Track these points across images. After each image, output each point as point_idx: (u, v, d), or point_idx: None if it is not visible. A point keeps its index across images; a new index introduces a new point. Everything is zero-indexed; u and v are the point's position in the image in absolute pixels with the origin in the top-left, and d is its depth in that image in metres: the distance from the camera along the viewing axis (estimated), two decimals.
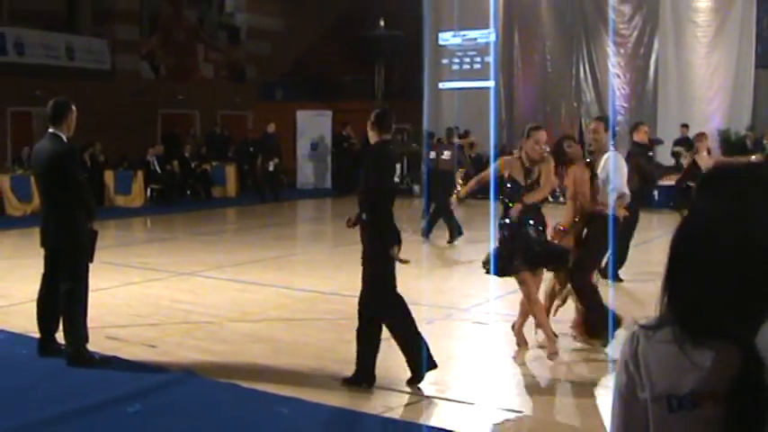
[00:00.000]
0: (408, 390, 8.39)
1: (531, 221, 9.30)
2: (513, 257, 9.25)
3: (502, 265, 9.36)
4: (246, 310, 11.89)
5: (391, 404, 7.92)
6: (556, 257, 9.49)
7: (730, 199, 2.31)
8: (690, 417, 2.27)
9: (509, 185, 9.41)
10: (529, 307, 9.48)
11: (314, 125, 32.82)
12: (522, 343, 9.74)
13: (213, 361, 9.35)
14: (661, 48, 29.55)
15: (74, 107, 9.25)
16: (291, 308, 12.13)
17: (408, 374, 8.51)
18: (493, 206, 9.46)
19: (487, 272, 9.57)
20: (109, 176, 26.61)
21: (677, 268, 2.36)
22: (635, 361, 2.38)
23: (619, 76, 30.51)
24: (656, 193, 26.03)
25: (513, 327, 9.87)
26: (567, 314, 10.14)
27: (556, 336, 9.52)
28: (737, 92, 28.29)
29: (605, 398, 8.02)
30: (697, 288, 2.29)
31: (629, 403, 2.40)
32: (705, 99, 28.70)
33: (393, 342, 8.81)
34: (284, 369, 9.06)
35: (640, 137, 14.57)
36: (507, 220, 9.31)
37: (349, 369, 8.85)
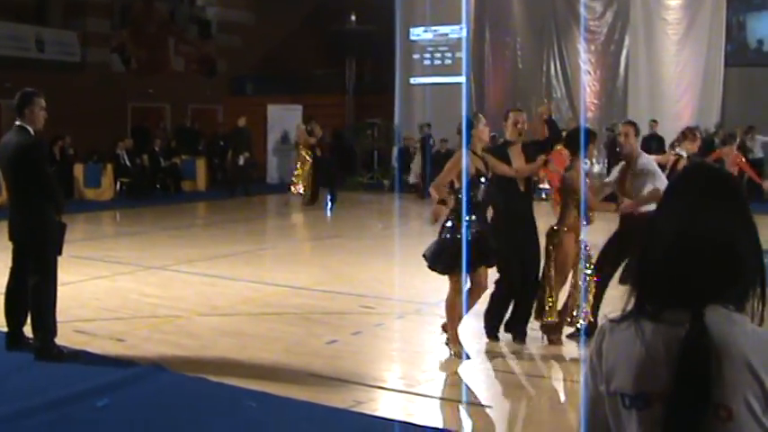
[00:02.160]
0: (377, 384, 8.40)
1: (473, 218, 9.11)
2: (454, 255, 9.00)
3: (441, 260, 9.17)
4: (215, 305, 11.86)
5: (360, 398, 7.91)
6: (484, 257, 9.26)
7: (678, 201, 2.44)
8: (641, 416, 2.33)
9: (482, 180, 9.19)
10: (448, 306, 9.37)
11: (284, 119, 32.76)
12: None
13: (181, 355, 9.32)
14: (631, 44, 29.67)
15: (40, 99, 9.16)
16: (260, 302, 12.10)
17: (379, 371, 8.51)
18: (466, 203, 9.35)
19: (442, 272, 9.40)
20: (78, 169, 26.49)
21: (641, 262, 2.45)
22: (598, 355, 2.46)
23: (589, 73, 30.61)
24: None
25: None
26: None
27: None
28: (707, 89, 28.45)
29: (575, 393, 8.06)
30: (651, 276, 2.40)
31: (593, 397, 2.48)
32: (675, 96, 28.85)
33: (360, 337, 8.82)
34: (253, 363, 9.03)
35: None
36: (473, 218, 9.14)
37: (317, 363, 8.86)
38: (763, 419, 2.21)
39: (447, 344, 9.34)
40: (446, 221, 9.25)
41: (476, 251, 9.00)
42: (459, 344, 9.26)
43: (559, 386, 8.63)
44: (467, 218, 9.05)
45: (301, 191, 25.07)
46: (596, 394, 2.46)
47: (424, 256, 9.38)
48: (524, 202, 9.85)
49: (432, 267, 9.34)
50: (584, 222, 9.53)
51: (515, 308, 9.87)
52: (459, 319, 9.37)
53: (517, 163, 9.60)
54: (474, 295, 9.42)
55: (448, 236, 9.14)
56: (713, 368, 2.22)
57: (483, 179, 9.19)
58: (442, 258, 9.14)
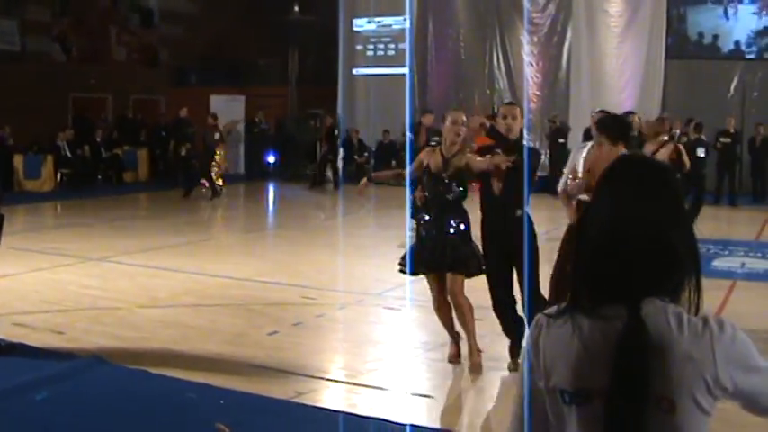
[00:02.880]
0: (319, 375, 8.41)
1: (453, 222, 8.66)
2: (429, 258, 8.72)
3: (417, 263, 8.81)
4: (156, 296, 11.81)
5: (302, 389, 7.91)
6: (460, 263, 8.74)
7: (609, 193, 2.45)
8: (581, 411, 2.34)
9: (426, 176, 8.75)
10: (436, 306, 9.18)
11: (227, 110, 32.59)
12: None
13: (122, 347, 9.27)
14: (574, 37, 29.85)
15: None
16: (202, 293, 12.05)
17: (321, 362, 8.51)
18: (409, 198, 9.32)
19: (402, 271, 9.09)
20: (18, 160, 26.23)
21: (575, 255, 2.50)
22: (535, 350, 2.45)
23: (532, 64, 30.76)
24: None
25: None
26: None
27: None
28: (648, 82, 28.72)
29: (518, 383, 8.08)
30: (585, 270, 2.41)
31: (532, 392, 2.48)
32: (616, 88, 29.06)
33: (302, 328, 8.82)
34: (193, 354, 9.01)
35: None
36: (427, 218, 8.73)
37: (258, 354, 8.86)
38: (703, 404, 2.23)
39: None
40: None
41: (433, 254, 8.69)
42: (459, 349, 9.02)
43: (503, 376, 8.66)
44: (424, 216, 8.79)
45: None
46: (535, 389, 2.46)
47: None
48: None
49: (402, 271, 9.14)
50: None
51: None
52: (447, 323, 9.02)
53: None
54: (443, 307, 8.98)
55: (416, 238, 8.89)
56: (652, 362, 2.23)
57: (426, 175, 8.76)
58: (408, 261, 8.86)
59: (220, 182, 25.19)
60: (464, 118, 8.92)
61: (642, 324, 2.26)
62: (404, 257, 8.90)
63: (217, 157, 25.17)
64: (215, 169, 25.11)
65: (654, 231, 2.34)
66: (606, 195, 2.45)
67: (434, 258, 8.65)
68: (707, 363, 2.23)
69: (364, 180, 9.45)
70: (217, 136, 25.14)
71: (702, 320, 2.28)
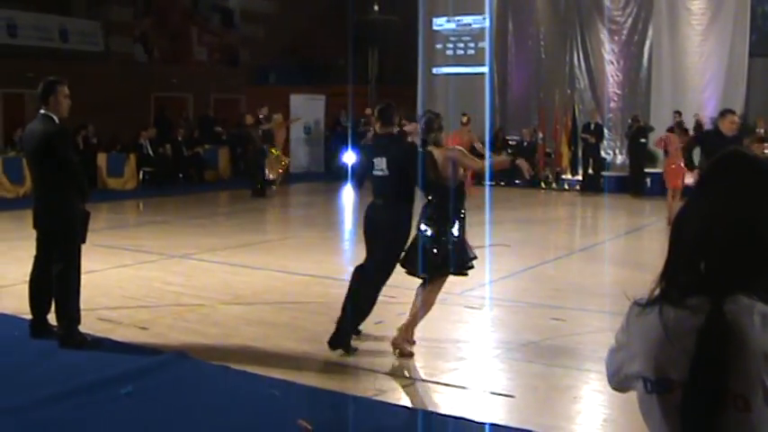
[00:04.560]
0: (400, 374, 8.42)
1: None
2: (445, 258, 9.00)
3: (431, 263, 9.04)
4: (238, 293, 11.90)
5: (383, 387, 7.93)
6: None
7: (708, 189, 2.46)
8: (662, 400, 2.37)
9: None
10: (426, 306, 9.22)
11: (307, 109, 32.76)
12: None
13: (205, 343, 9.36)
14: (655, 35, 29.51)
15: (63, 87, 9.17)
16: (283, 291, 12.13)
17: (402, 360, 8.55)
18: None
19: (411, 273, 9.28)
20: (101, 159, 26.59)
21: (670, 247, 2.49)
22: (627, 336, 2.51)
23: (612, 63, 30.49)
24: (648, 180, 26.20)
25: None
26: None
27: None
28: (731, 80, 28.27)
29: (596, 382, 8.05)
30: (677, 262, 2.44)
31: (619, 379, 2.55)
32: (699, 86, 28.69)
33: (383, 327, 8.83)
34: (276, 352, 9.06)
35: (725, 126, 13.43)
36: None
37: (341, 352, 8.89)
38: None
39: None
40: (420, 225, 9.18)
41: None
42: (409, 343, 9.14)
43: (583, 376, 8.60)
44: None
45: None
46: (624, 372, 2.53)
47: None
48: None
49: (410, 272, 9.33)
50: None
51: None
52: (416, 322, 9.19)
53: None
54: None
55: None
56: (728, 357, 2.24)
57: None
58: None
59: (273, 179, 25.48)
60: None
61: (723, 318, 2.26)
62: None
63: (273, 154, 25.44)
64: (272, 168, 25.39)
65: (747, 229, 2.33)
66: (705, 191, 2.45)
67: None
68: None
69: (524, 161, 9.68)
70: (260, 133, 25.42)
71: None
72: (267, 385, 7.88)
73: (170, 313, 10.72)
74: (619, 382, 2.58)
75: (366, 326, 9.90)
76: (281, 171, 26.01)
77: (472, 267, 9.23)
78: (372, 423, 7.23)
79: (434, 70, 33.38)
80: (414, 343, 9.11)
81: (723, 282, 2.31)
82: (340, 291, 11.82)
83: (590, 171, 27.95)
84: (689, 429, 2.31)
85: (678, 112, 26.00)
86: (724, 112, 13.56)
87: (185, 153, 29.16)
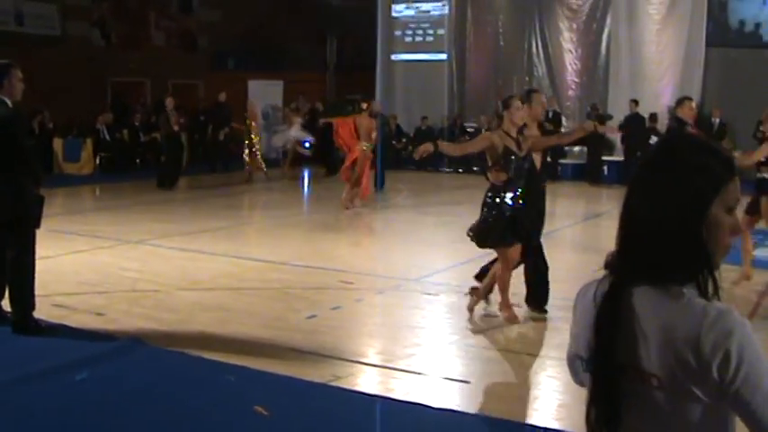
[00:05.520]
0: (356, 359, 8.42)
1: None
2: (504, 230, 9.47)
3: (492, 236, 9.55)
4: (195, 279, 11.86)
5: (339, 373, 7.93)
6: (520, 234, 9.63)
7: (639, 175, 2.48)
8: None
9: (510, 158, 9.48)
10: (504, 276, 9.68)
11: (265, 95, 32.64)
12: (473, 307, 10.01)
13: (161, 329, 9.32)
14: (613, 24, 29.64)
15: (17, 70, 9.08)
16: (240, 277, 12.10)
17: (359, 346, 8.53)
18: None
19: (480, 243, 9.75)
20: (58, 144, 26.41)
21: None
22: (573, 317, 2.58)
23: (570, 52, 30.60)
24: (605, 167, 26.37)
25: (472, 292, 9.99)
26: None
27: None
28: (688, 69, 28.45)
29: (552, 368, 8.09)
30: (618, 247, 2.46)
31: (569, 357, 2.59)
32: (656, 76, 28.86)
33: (340, 312, 8.82)
34: (232, 337, 9.05)
35: (684, 112, 13.41)
36: (519, 191, 9.56)
37: (296, 337, 8.89)
38: (693, 389, 2.23)
39: (469, 308, 10.00)
40: (486, 197, 9.67)
41: (511, 228, 9.49)
42: (511, 309, 9.77)
43: (538, 362, 8.64)
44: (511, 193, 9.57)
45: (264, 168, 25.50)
46: (572, 353, 2.56)
47: (469, 234, 9.65)
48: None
49: (480, 245, 9.79)
50: None
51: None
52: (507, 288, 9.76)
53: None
54: (505, 272, 9.77)
55: (493, 212, 9.54)
56: (629, 337, 2.31)
57: (513, 157, 9.50)
58: (490, 235, 9.56)
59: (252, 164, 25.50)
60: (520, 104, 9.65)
61: (617, 300, 2.34)
62: (479, 229, 9.59)
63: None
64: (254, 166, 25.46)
65: (649, 214, 2.37)
66: (636, 177, 2.49)
67: (533, 226, 9.73)
68: (691, 346, 2.22)
69: (429, 144, 9.80)
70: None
71: (707, 306, 2.27)
72: (223, 371, 7.87)
73: (126, 299, 10.67)
74: (570, 367, 2.60)
75: (322, 312, 9.93)
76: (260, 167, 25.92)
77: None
78: (329, 409, 7.22)
79: (393, 57, 33.41)
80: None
81: (632, 265, 2.37)
82: (297, 277, 11.88)
83: (548, 159, 27.98)
84: (596, 402, 2.37)
85: (635, 101, 26.16)
86: (681, 100, 13.63)
87: (142, 138, 28.98)
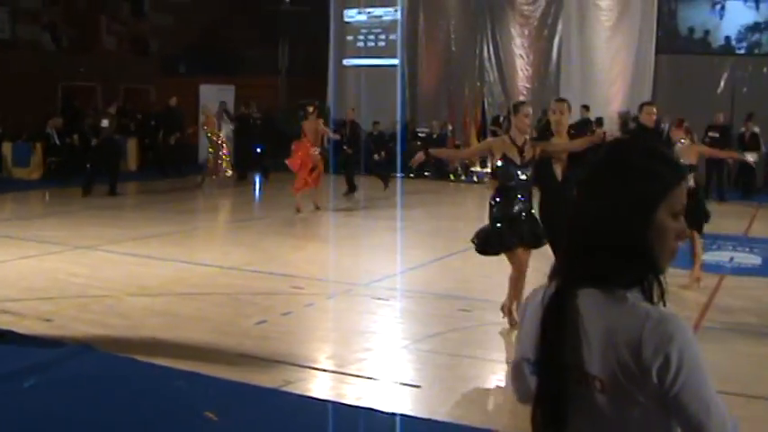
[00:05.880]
0: (307, 364, 8.41)
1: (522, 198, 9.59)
2: (509, 235, 9.45)
3: (497, 242, 9.54)
4: (144, 285, 11.79)
5: (290, 378, 7.91)
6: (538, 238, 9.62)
7: (587, 178, 2.48)
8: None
9: (507, 166, 9.52)
10: (516, 280, 9.57)
11: (217, 100, 32.51)
12: (513, 323, 9.48)
13: (110, 335, 9.25)
14: (564, 30, 29.88)
15: None
16: (190, 282, 12.04)
17: (310, 351, 8.52)
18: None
19: (483, 251, 9.70)
20: (7, 148, 26.19)
21: None
22: (521, 322, 2.60)
23: (522, 57, 30.81)
24: None
25: (502, 308, 9.80)
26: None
27: None
28: (638, 75, 28.76)
29: (502, 372, 8.13)
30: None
31: (516, 363, 2.58)
32: (606, 81, 29.13)
33: (291, 317, 8.79)
34: (182, 343, 9.00)
35: (644, 118, 13.40)
36: (521, 197, 9.56)
37: (247, 343, 8.86)
38: (634, 393, 2.25)
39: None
40: (489, 204, 9.74)
41: (515, 233, 9.47)
42: (513, 315, 9.56)
43: (490, 366, 8.68)
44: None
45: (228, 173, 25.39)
46: (519, 359, 2.55)
47: (473, 242, 9.68)
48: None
49: (481, 252, 9.75)
50: None
51: None
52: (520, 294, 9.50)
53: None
54: (516, 278, 9.66)
55: (491, 219, 9.64)
56: (574, 340, 2.32)
57: (508, 165, 9.54)
58: (489, 242, 9.60)
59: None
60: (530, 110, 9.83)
61: (562, 302, 2.35)
62: (481, 236, 9.63)
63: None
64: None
65: (591, 220, 2.38)
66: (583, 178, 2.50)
67: (533, 233, 9.53)
68: (632, 350, 2.24)
69: (421, 154, 10.04)
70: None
71: (650, 311, 2.29)
72: (173, 377, 7.82)
73: (75, 305, 10.58)
74: (513, 379, 2.62)
75: (272, 317, 9.92)
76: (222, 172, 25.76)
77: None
78: (280, 414, 7.21)
79: (345, 62, 33.46)
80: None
81: (576, 268, 2.38)
82: (247, 282, 11.84)
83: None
84: (541, 404, 2.39)
85: (586, 107, 26.34)
86: (642, 105, 13.78)
87: (93, 143, 28.77)
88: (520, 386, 2.58)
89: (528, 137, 9.69)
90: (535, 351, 2.41)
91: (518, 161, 9.47)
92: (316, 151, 19.63)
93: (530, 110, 9.82)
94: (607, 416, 2.29)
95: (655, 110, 13.31)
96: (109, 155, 23.21)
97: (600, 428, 2.32)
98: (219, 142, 25.34)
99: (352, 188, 23.59)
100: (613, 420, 2.29)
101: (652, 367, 2.20)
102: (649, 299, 2.33)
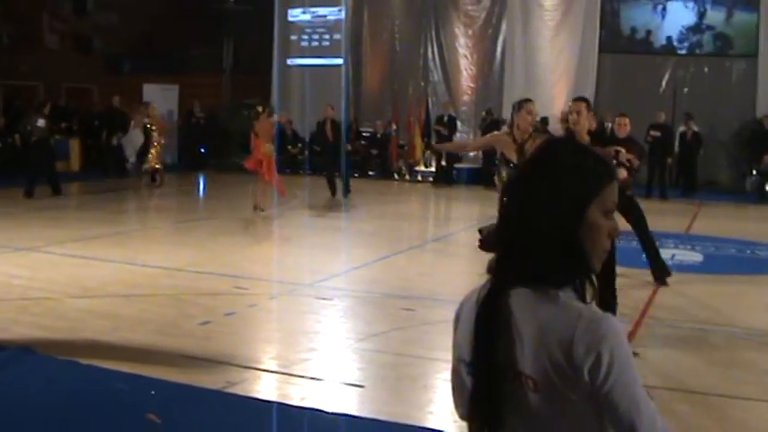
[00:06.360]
0: (251, 365, 8.38)
1: None
2: None
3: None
4: (86, 286, 11.67)
5: (233, 379, 7.87)
6: None
7: (518, 177, 2.52)
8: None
9: (501, 164, 9.59)
10: None
11: (161, 99, 32.32)
12: None
13: (51, 337, 9.16)
14: (508, 30, 30.05)
15: None
16: (133, 283, 11.94)
17: (253, 352, 8.49)
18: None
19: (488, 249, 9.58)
20: None
21: None
22: (455, 324, 2.58)
23: (466, 57, 30.93)
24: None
25: None
26: None
27: None
28: (581, 75, 28.99)
29: (446, 371, 8.13)
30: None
31: (453, 366, 2.59)
32: (550, 81, 29.33)
33: (234, 318, 8.76)
34: (124, 345, 8.93)
35: (618, 128, 13.28)
36: None
37: (189, 344, 8.80)
38: (567, 392, 2.25)
39: None
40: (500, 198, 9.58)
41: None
42: None
43: (433, 365, 8.69)
44: None
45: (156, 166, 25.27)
46: (456, 362, 2.54)
47: (479, 231, 9.62)
48: None
49: (484, 249, 9.54)
50: None
51: None
52: None
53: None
54: None
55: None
56: (506, 339, 2.32)
57: (511, 165, 9.44)
58: (488, 239, 9.44)
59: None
60: (537, 109, 9.84)
61: (496, 302, 2.35)
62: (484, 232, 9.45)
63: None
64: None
65: (520, 217, 2.40)
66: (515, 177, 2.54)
67: None
68: (564, 349, 2.24)
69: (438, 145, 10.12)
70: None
71: (582, 310, 2.29)
72: (115, 379, 7.76)
73: (15, 307, 10.46)
74: (453, 390, 2.62)
75: (215, 317, 9.88)
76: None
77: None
78: (223, 415, 7.17)
79: (289, 61, 33.43)
80: None
81: (509, 267, 2.39)
82: (190, 283, 11.78)
83: (443, 163, 28.29)
84: (475, 405, 2.39)
85: None
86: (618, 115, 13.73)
87: (29, 143, 28.45)
88: (460, 401, 2.56)
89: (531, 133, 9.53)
90: (470, 352, 2.41)
91: (515, 159, 9.38)
92: (269, 149, 19.66)
93: (533, 107, 9.71)
94: (540, 415, 2.30)
95: (627, 120, 13.31)
96: (44, 155, 22.94)
97: (534, 427, 2.32)
98: (157, 134, 25.12)
99: (334, 191, 23.18)
100: (547, 419, 2.29)
101: (584, 366, 2.21)
102: (582, 298, 2.33)
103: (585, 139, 9.71)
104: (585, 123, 9.46)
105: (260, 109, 20.53)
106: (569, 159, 2.38)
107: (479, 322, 2.36)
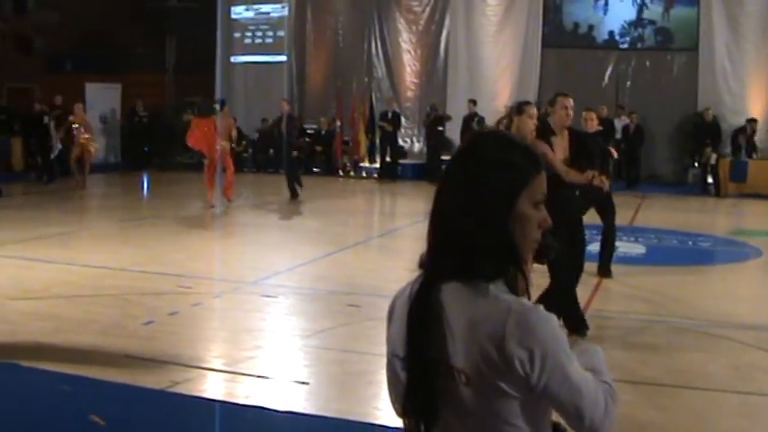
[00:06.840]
0: (195, 364, 8.34)
1: None
2: None
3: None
4: (28, 288, 11.54)
5: (178, 379, 7.83)
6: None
7: (447, 170, 2.51)
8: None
9: None
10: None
11: (103, 98, 32.10)
12: None
13: None
14: (452, 25, 30.12)
15: None
16: (76, 284, 11.83)
17: (198, 351, 8.47)
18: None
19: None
20: None
21: None
22: (388, 320, 2.60)
23: (410, 53, 30.99)
24: (444, 166, 26.81)
25: None
26: None
27: None
28: (524, 70, 29.16)
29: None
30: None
31: (388, 360, 2.59)
32: (493, 76, 29.47)
33: (178, 317, 8.73)
34: (67, 346, 8.85)
35: (587, 125, 13.47)
36: None
37: (133, 344, 8.75)
38: (500, 385, 2.26)
39: None
40: None
41: None
42: None
43: (379, 360, 8.69)
44: None
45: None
46: (390, 357, 2.55)
47: None
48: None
49: None
50: None
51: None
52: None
53: (559, 153, 9.45)
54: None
55: None
56: (437, 333, 2.33)
57: None
58: None
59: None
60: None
61: (427, 296, 2.36)
62: None
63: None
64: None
65: (447, 211, 2.40)
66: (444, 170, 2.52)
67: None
68: (496, 343, 2.25)
69: None
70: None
71: (512, 303, 2.30)
72: (58, 381, 7.69)
73: None
74: (389, 387, 2.61)
75: (159, 317, 9.83)
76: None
77: None
78: (167, 415, 7.15)
79: (232, 59, 33.34)
80: None
81: (435, 264, 2.40)
82: (133, 283, 11.70)
83: (387, 159, 28.34)
84: (410, 400, 2.40)
85: (473, 101, 26.65)
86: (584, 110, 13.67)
87: None
88: (395, 396, 2.55)
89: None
90: (403, 347, 2.41)
91: None
92: (226, 146, 19.66)
93: (535, 111, 9.51)
94: (473, 408, 2.30)
95: (594, 114, 13.45)
96: None
97: (467, 421, 2.33)
98: (82, 130, 24.77)
99: (294, 193, 22.24)
100: (479, 412, 2.30)
101: (516, 360, 2.21)
102: (513, 290, 2.34)
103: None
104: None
105: (217, 107, 20.62)
106: (498, 153, 2.38)
107: (411, 317, 2.37)
